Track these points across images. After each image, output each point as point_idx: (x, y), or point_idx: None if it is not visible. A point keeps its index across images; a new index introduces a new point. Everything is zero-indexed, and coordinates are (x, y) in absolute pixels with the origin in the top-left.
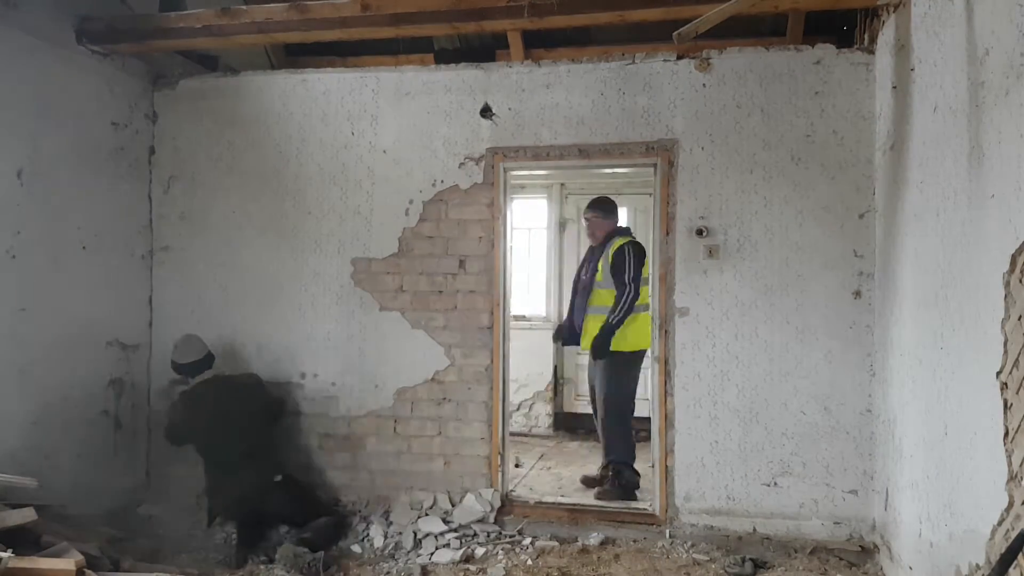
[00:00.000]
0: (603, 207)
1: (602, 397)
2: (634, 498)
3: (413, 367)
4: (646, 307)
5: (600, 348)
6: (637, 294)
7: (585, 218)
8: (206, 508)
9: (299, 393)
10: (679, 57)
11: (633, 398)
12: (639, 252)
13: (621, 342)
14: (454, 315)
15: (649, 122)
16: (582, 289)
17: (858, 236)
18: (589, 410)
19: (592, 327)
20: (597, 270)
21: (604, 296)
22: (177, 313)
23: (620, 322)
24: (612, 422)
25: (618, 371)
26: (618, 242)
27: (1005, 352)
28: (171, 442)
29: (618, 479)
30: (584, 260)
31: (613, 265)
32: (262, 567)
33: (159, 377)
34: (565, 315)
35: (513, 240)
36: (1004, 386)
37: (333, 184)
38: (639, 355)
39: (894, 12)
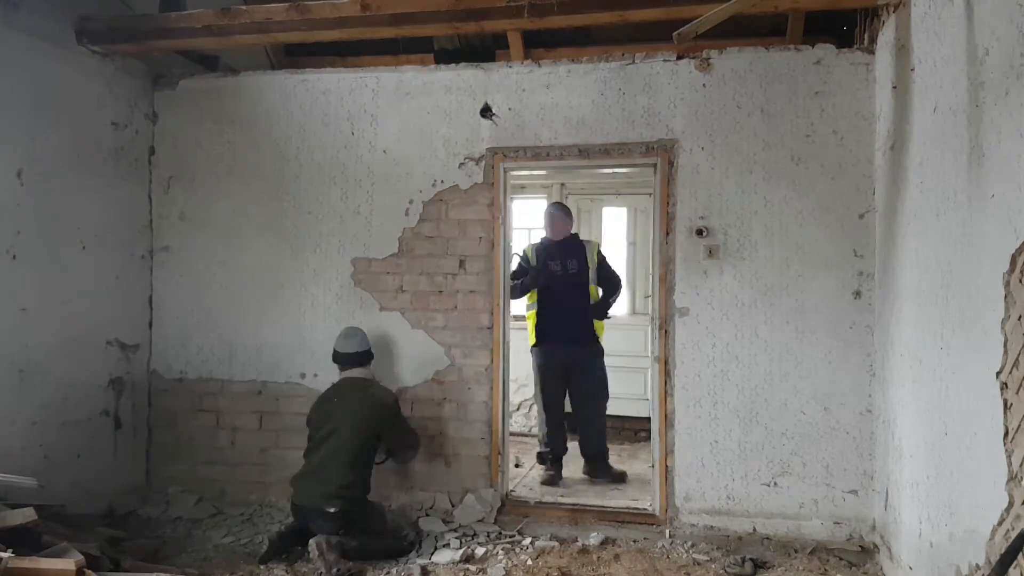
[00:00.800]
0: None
1: (599, 389)
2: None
3: (413, 367)
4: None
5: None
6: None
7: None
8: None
9: (298, 392)
10: (679, 57)
11: None
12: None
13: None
14: (454, 315)
15: (649, 122)
16: (570, 286)
17: (858, 236)
18: None
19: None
20: (587, 267)
21: (593, 292)
22: (177, 313)
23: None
24: (603, 415)
25: (599, 363)
26: (595, 243)
27: (1005, 352)
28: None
29: (609, 469)
30: (546, 255)
31: (606, 265)
32: (261, 568)
33: (159, 377)
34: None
35: (513, 240)
36: (1004, 386)
37: (333, 184)
38: None
39: (894, 12)
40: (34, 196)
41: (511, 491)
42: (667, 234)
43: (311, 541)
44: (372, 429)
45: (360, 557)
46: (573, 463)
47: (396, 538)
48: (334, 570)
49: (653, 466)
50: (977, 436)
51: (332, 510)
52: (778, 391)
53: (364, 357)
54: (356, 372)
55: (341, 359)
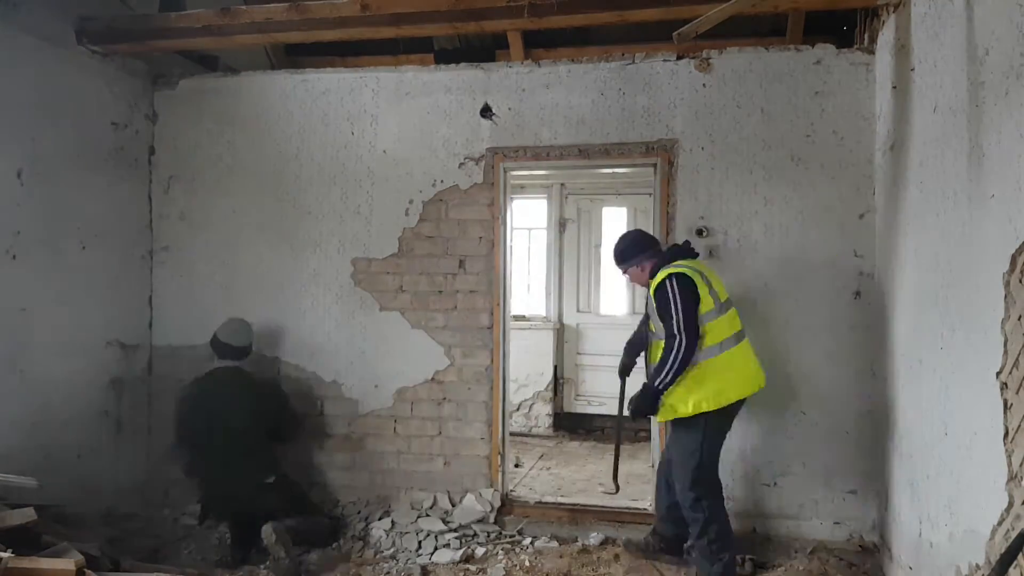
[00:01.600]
0: (625, 257)
1: (669, 468)
2: None
3: (413, 367)
4: (721, 347)
5: (643, 411)
6: (691, 344)
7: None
8: (200, 506)
9: (298, 391)
10: (679, 57)
11: (712, 469)
12: (685, 283)
13: (681, 406)
14: (454, 315)
15: (649, 122)
16: (641, 341)
17: (858, 236)
18: (589, 410)
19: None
20: (648, 319)
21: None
22: (177, 313)
23: (667, 386)
24: (688, 500)
25: (681, 437)
26: (659, 276)
27: (1005, 352)
28: (183, 446)
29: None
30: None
31: (658, 308)
32: (262, 568)
33: (159, 377)
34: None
35: (513, 240)
36: (1004, 386)
37: (333, 184)
38: (716, 414)
39: (894, 12)
40: (34, 196)
41: (511, 491)
42: (667, 234)
43: (265, 527)
44: (268, 419)
45: (310, 540)
46: (575, 463)
47: (330, 517)
48: (292, 555)
49: (653, 466)
50: (977, 436)
51: (270, 480)
52: (778, 391)
53: (247, 352)
54: (231, 363)
55: (229, 351)
